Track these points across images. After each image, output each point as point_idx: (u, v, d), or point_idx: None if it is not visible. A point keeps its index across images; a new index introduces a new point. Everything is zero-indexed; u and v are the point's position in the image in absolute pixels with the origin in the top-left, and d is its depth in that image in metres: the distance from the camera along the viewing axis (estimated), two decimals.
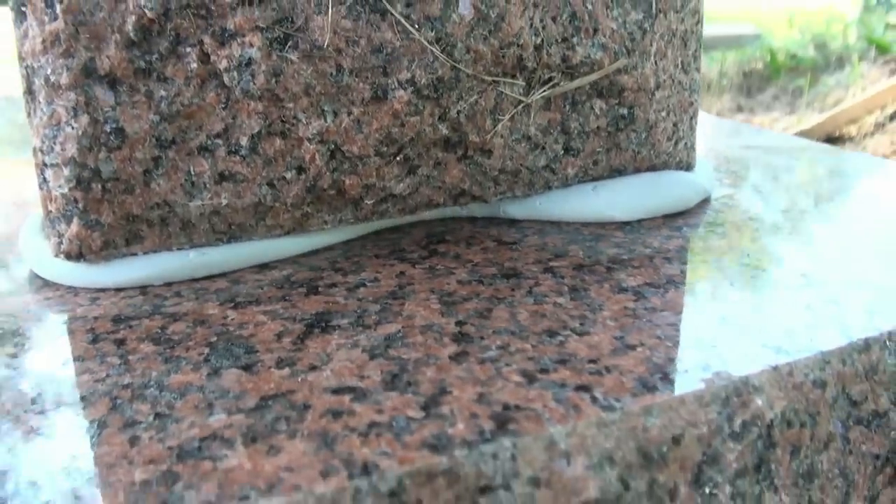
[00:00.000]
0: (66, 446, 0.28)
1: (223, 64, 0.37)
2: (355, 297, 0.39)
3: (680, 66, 0.47)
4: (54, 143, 0.38)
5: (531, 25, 0.40)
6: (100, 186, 0.38)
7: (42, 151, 0.38)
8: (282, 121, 0.39)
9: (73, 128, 0.37)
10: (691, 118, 0.49)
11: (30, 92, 0.38)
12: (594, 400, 0.30)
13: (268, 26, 0.37)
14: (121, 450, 0.28)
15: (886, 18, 2.49)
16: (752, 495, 0.32)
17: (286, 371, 0.33)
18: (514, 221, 0.48)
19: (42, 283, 0.43)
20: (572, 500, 0.29)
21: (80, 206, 0.39)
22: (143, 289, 0.41)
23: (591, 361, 0.33)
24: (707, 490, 0.31)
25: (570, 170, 0.46)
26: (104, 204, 0.39)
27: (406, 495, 0.27)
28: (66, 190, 0.38)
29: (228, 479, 0.26)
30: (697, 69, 0.49)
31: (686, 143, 0.49)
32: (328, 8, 0.37)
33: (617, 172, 0.47)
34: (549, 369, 0.32)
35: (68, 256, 0.40)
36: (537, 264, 0.42)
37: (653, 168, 0.48)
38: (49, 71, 0.37)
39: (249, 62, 0.37)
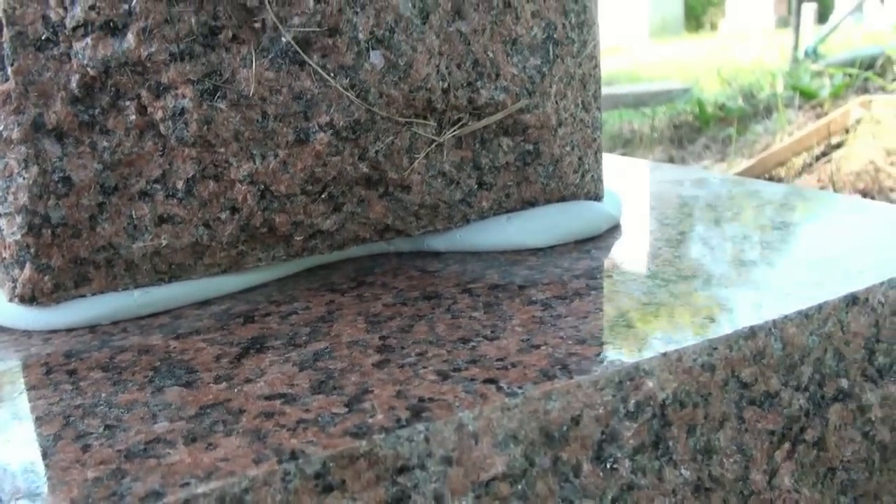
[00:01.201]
0: (24, 455, 0.31)
1: (159, 115, 0.41)
2: (288, 322, 0.42)
3: (581, 105, 0.52)
4: (7, 193, 0.41)
5: (438, 71, 0.45)
6: (49, 232, 0.42)
7: None
8: (214, 165, 0.43)
9: (24, 178, 0.41)
10: (595, 152, 0.54)
11: None
12: (499, 389, 0.34)
13: (198, 79, 0.41)
14: (74, 456, 0.31)
15: (812, 67, 2.64)
16: (653, 469, 0.36)
17: (223, 385, 0.36)
18: (437, 254, 0.52)
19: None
20: (481, 475, 0.32)
21: (32, 251, 0.42)
22: (93, 328, 0.44)
23: (499, 360, 0.36)
24: (608, 465, 0.35)
25: (485, 203, 0.50)
26: (54, 248, 0.42)
27: (330, 476, 0.30)
28: (18, 237, 0.42)
29: (171, 471, 0.29)
30: (598, 108, 0.54)
31: (593, 175, 0.54)
32: (252, 62, 0.41)
33: (529, 204, 0.52)
34: (462, 368, 0.36)
35: (22, 300, 0.43)
36: (456, 286, 0.46)
37: (562, 199, 0.53)
38: (1, 127, 0.40)
39: (182, 112, 0.41)
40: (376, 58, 0.43)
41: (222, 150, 0.42)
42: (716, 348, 0.38)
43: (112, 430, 0.32)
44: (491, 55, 0.47)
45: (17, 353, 0.41)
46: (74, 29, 0.40)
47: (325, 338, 0.40)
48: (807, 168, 1.85)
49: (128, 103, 0.41)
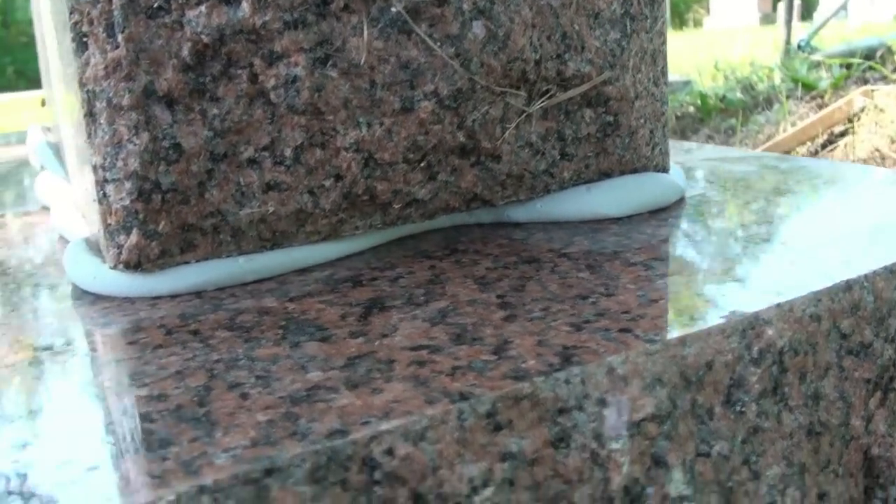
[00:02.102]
0: (180, 403, 0.31)
1: (271, 83, 0.42)
2: (398, 285, 0.43)
3: (652, 79, 0.54)
4: (116, 160, 0.41)
5: (531, 43, 0.47)
6: (159, 198, 0.42)
7: (103, 168, 0.41)
8: (322, 132, 0.43)
9: (134, 144, 0.41)
10: (663, 126, 0.56)
11: (90, 114, 0.41)
12: (637, 337, 0.35)
13: (311, 47, 0.42)
14: (234, 403, 0.31)
15: (812, 59, 2.67)
16: (773, 413, 0.37)
17: (361, 339, 0.36)
18: (517, 224, 0.53)
19: (93, 298, 0.45)
20: (633, 416, 0.34)
21: (140, 217, 0.42)
22: (198, 294, 0.44)
23: (624, 312, 0.38)
24: (737, 409, 0.36)
25: (567, 173, 0.51)
26: (162, 214, 0.42)
27: (500, 416, 0.31)
28: (127, 202, 0.42)
29: (345, 412, 0.30)
30: (665, 83, 0.56)
31: (661, 149, 0.56)
32: (363, 31, 0.42)
33: (605, 175, 0.53)
34: (591, 320, 0.37)
35: (127, 266, 0.43)
36: (551, 252, 0.47)
37: (634, 170, 0.54)
38: (111, 94, 0.41)
39: (294, 80, 0.42)
40: (478, 28, 0.44)
41: (331, 117, 0.43)
42: (820, 300, 0.40)
43: (265, 381, 0.33)
44: (577, 28, 0.49)
45: (125, 317, 0.42)
46: None
47: (442, 298, 0.41)
48: (813, 156, 1.88)
49: (239, 71, 0.42)
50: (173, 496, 0.26)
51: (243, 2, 0.40)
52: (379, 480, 0.29)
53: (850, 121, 1.50)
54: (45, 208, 0.73)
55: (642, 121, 0.53)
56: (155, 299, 0.44)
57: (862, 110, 1.47)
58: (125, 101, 0.41)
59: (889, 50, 2.10)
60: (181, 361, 0.36)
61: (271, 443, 0.28)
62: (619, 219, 0.53)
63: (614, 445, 0.33)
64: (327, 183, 0.45)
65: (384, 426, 0.29)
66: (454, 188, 0.48)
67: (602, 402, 0.33)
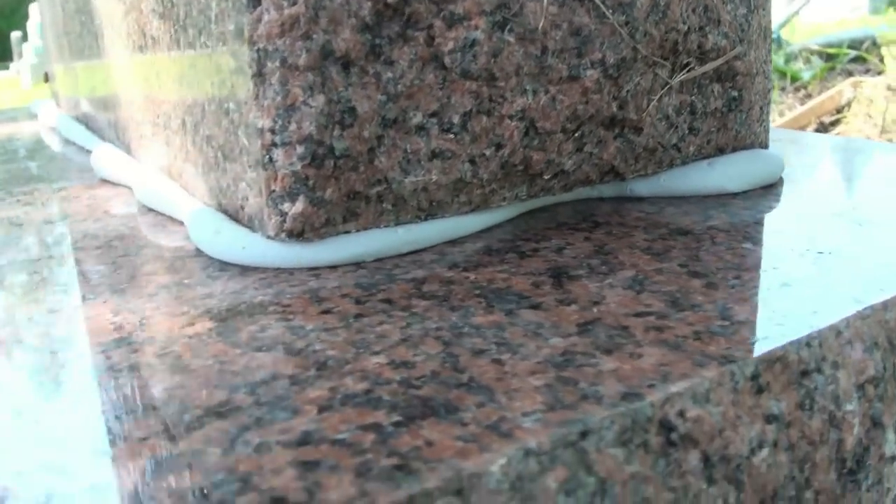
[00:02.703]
0: (433, 369, 0.30)
1: (449, 45, 0.41)
2: (567, 256, 0.43)
3: (763, 56, 0.55)
4: (289, 122, 0.39)
5: (681, 14, 0.47)
6: (331, 163, 0.40)
7: (272, 131, 0.39)
8: (490, 99, 0.42)
9: (309, 106, 0.39)
10: (768, 104, 0.57)
11: (260, 74, 0.39)
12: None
13: (491, 11, 0.41)
14: (493, 368, 0.30)
15: (784, 51, 2.69)
16: None
17: (574, 307, 0.36)
18: (640, 198, 0.53)
19: (241, 269, 0.43)
20: (859, 378, 0.34)
21: (310, 183, 0.40)
22: (357, 264, 0.43)
23: (812, 280, 0.38)
24: None
25: (692, 148, 0.52)
26: (331, 181, 0.41)
27: (761, 378, 0.31)
28: (298, 167, 0.40)
29: (620, 376, 0.29)
30: (770, 61, 0.57)
31: (765, 126, 0.56)
32: None
33: (720, 150, 0.54)
34: (790, 286, 0.37)
35: (290, 235, 0.41)
36: (695, 224, 0.47)
37: (744, 147, 0.55)
38: (286, 53, 0.39)
39: (473, 43, 0.41)
40: None
41: (502, 84, 0.42)
42: None
43: (507, 346, 0.32)
44: (712, 2, 0.49)
45: (296, 288, 0.40)
46: None
47: (624, 267, 0.40)
48: None
49: (417, 33, 0.40)
50: (504, 460, 0.25)
51: None
52: (675, 442, 0.28)
53: (839, 111, 1.55)
54: (104, 181, 0.69)
55: (757, 97, 0.54)
56: (313, 270, 0.42)
57: (850, 101, 1.53)
58: (301, 61, 0.39)
59: (874, 42, 2.18)
60: (398, 330, 0.34)
61: (569, 406, 0.27)
62: (738, 194, 0.54)
63: (847, 407, 0.34)
64: (488, 152, 0.44)
65: (673, 388, 0.29)
66: (596, 160, 0.48)
67: (835, 365, 0.33)
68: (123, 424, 0.28)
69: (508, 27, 0.41)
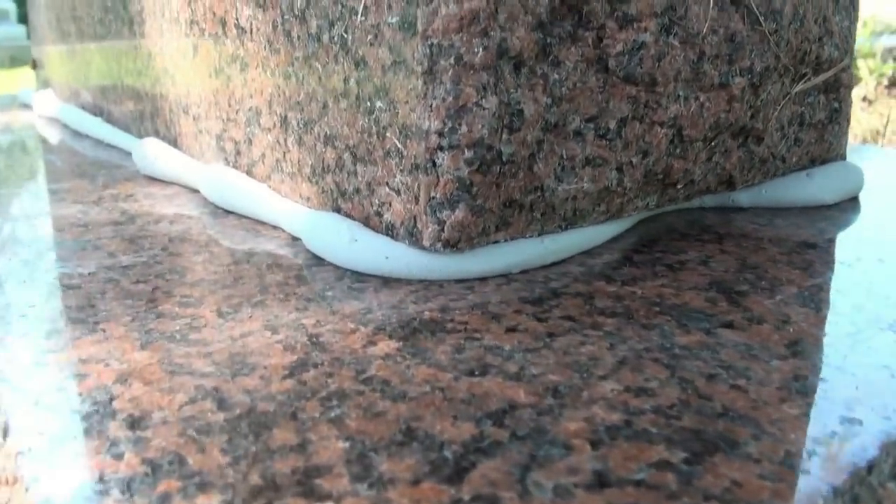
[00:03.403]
0: (715, 390, 0.29)
1: (618, 48, 0.39)
2: (717, 270, 0.41)
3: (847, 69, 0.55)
4: (459, 124, 0.37)
5: (814, 25, 0.46)
6: (498, 169, 0.38)
7: (441, 134, 0.37)
8: (646, 105, 0.41)
9: (482, 108, 0.37)
10: (849, 117, 0.57)
11: (430, 72, 0.36)
12: None
13: (661, 13, 0.39)
14: (742, 396, 0.29)
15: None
16: None
17: (766, 326, 0.35)
18: (740, 208, 0.53)
19: (382, 281, 0.40)
20: None
21: (474, 190, 0.38)
22: (505, 276, 0.40)
23: None
24: None
25: (794, 158, 0.52)
26: (493, 188, 0.38)
27: None
28: (464, 173, 0.37)
29: (873, 401, 0.28)
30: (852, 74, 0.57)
31: (846, 139, 0.57)
32: None
33: (812, 162, 0.54)
34: None
35: (446, 245, 0.38)
36: (816, 237, 0.47)
37: (828, 159, 0.55)
38: (462, 50, 0.36)
39: (641, 46, 0.39)
40: (788, 5, 0.43)
41: (661, 89, 0.41)
42: None
43: (735, 371, 0.31)
44: (829, 12, 0.49)
45: (458, 303, 0.37)
46: None
47: (782, 283, 0.40)
48: None
49: (587, 34, 0.38)
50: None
51: None
52: None
53: None
54: (149, 177, 0.63)
55: (846, 110, 0.54)
56: (463, 281, 0.40)
57: None
58: (477, 60, 0.36)
59: None
60: (606, 351, 0.32)
61: (843, 437, 0.26)
62: (833, 205, 0.54)
63: None
64: (635, 160, 0.42)
65: None
66: (719, 169, 0.47)
67: None
68: (381, 455, 0.25)
69: (674, 31, 0.40)
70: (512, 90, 0.37)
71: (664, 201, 0.46)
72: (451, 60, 0.36)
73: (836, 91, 0.51)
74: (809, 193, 0.53)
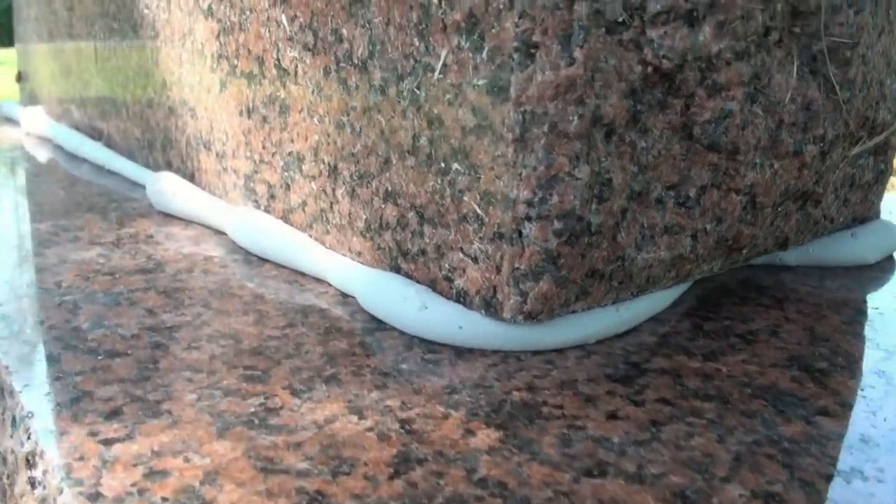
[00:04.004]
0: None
1: (705, 116, 0.38)
2: (790, 342, 0.40)
3: None
4: (549, 194, 0.35)
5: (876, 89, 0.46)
6: (585, 240, 0.36)
7: (530, 204, 0.35)
8: (725, 172, 0.40)
9: (575, 178, 0.35)
10: None
11: (521, 140, 0.34)
12: None
13: (748, 81, 0.38)
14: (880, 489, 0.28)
15: None
16: None
17: (860, 414, 0.34)
18: (787, 267, 0.52)
19: (455, 351, 0.38)
20: None
21: (559, 261, 0.36)
22: (582, 348, 0.39)
23: None
24: None
25: (841, 218, 0.51)
26: (578, 258, 0.37)
27: None
28: (552, 245, 0.36)
29: None
30: None
31: (881, 196, 0.57)
32: (793, 67, 0.39)
33: (853, 221, 0.54)
34: None
35: (528, 317, 0.37)
36: (874, 301, 0.47)
37: (868, 218, 0.55)
38: (557, 118, 0.34)
39: (727, 115, 0.38)
40: (858, 73, 0.43)
41: (741, 157, 0.40)
42: None
43: (844, 470, 0.30)
44: (883, 76, 0.48)
45: (542, 380, 0.35)
46: (656, 15, 0.35)
47: (857, 358, 0.39)
48: None
49: (675, 101, 0.37)
50: None
51: (705, 25, 0.36)
52: None
53: None
54: (164, 213, 0.60)
55: (890, 170, 0.54)
56: (540, 353, 0.38)
57: None
58: (572, 128, 0.35)
59: None
60: (717, 445, 0.31)
61: None
62: (875, 264, 0.54)
63: None
64: (709, 227, 0.41)
65: None
66: (777, 232, 0.46)
67: None
68: None
69: (758, 99, 0.39)
70: (602, 159, 0.36)
71: (727, 265, 0.45)
72: (545, 128, 0.34)
73: (885, 153, 0.51)
74: (853, 253, 0.52)
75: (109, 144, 0.80)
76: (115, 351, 0.38)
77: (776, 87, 0.39)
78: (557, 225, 0.35)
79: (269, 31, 0.48)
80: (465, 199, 0.37)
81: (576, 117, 0.35)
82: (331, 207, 0.46)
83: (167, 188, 0.58)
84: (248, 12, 0.50)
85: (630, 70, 0.35)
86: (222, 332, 0.40)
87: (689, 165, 0.39)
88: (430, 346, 0.39)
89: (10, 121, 1.26)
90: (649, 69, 0.36)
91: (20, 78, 1.24)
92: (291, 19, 0.46)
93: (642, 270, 0.40)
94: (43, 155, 0.91)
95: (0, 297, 0.44)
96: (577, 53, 0.34)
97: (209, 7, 0.54)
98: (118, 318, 0.41)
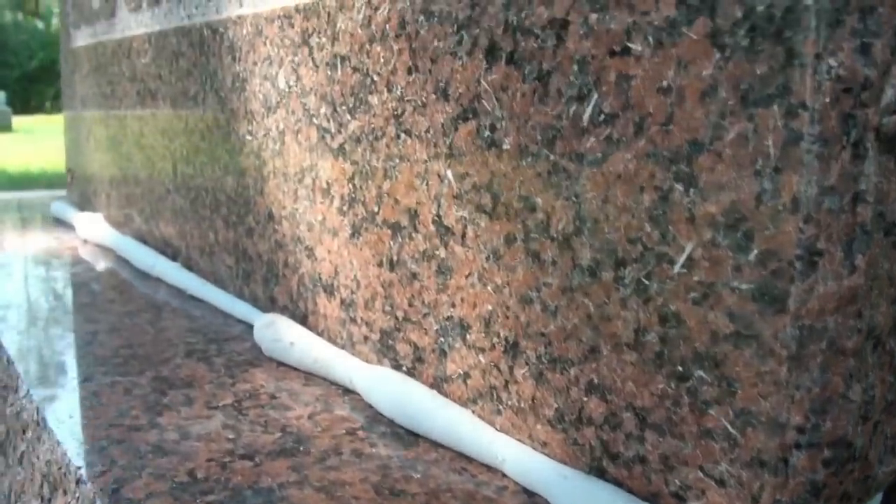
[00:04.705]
0: None
1: None
2: None
3: None
4: (823, 420, 0.31)
5: None
6: (850, 467, 0.32)
7: (802, 430, 0.31)
8: None
9: (849, 400, 0.31)
10: None
11: (797, 358, 0.31)
12: None
13: None
14: None
15: None
16: None
17: None
18: None
19: None
20: None
21: (823, 492, 0.32)
22: None
23: None
24: None
25: None
26: (838, 487, 0.32)
27: None
28: (819, 476, 0.31)
29: None
30: None
31: None
32: None
33: None
34: None
35: None
36: None
37: None
38: (836, 334, 0.31)
39: None
40: None
41: None
42: None
43: None
44: None
45: None
46: None
47: None
48: None
49: None
50: None
51: None
52: None
53: None
54: (276, 361, 0.53)
55: None
56: None
57: None
58: (850, 344, 0.31)
59: None
60: None
61: None
62: None
63: None
64: None
65: None
66: None
67: None
68: None
69: None
70: (870, 374, 0.32)
71: None
72: (823, 345, 0.31)
73: None
74: None
75: (188, 266, 0.74)
76: None
77: None
78: (827, 454, 0.31)
79: (428, 183, 0.44)
80: (712, 412, 0.33)
81: (854, 332, 0.31)
82: (505, 386, 0.41)
83: (284, 336, 0.53)
84: (396, 160, 0.46)
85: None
86: None
87: None
88: None
89: (63, 223, 1.17)
90: None
91: (71, 176, 1.17)
92: (461, 177, 0.42)
93: (881, 485, 0.36)
94: (109, 271, 0.84)
95: (129, 494, 0.38)
96: (859, 261, 0.31)
97: (341, 147, 0.50)
98: None
